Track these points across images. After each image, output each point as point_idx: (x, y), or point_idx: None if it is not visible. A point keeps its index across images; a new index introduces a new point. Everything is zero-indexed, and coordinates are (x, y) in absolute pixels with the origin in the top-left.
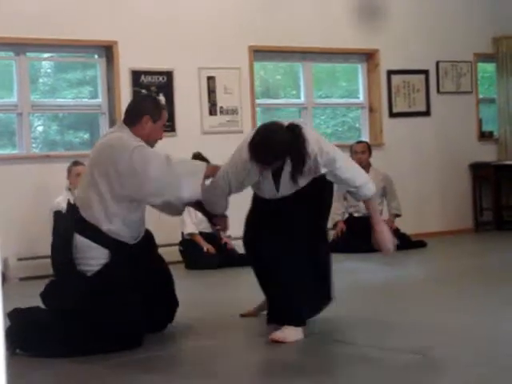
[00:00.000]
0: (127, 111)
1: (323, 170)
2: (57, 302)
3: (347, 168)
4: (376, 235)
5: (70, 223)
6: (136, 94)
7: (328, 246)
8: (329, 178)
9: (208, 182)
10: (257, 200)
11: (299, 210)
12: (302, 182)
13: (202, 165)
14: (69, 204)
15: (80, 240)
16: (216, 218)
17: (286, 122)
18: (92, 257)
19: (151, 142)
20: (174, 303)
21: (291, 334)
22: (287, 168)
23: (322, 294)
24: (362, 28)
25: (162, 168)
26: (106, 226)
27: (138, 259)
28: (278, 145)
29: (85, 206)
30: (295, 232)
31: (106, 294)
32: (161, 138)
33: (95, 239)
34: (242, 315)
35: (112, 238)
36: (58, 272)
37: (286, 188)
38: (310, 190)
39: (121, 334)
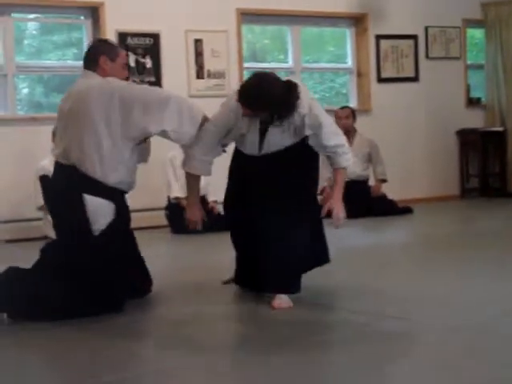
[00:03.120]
0: (85, 58)
1: (308, 132)
2: (59, 260)
3: (332, 135)
4: (331, 204)
5: (74, 184)
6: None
7: (318, 211)
8: (311, 142)
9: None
10: (237, 163)
11: (284, 174)
12: (285, 141)
13: (201, 112)
14: (62, 165)
15: (90, 199)
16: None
17: (284, 78)
18: (102, 214)
19: None
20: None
21: (286, 300)
22: (274, 125)
23: (315, 256)
24: None
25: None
26: (112, 177)
27: (127, 220)
28: (269, 94)
29: (85, 163)
30: (281, 196)
31: (108, 254)
32: (128, 78)
33: (104, 195)
34: (224, 282)
35: (117, 190)
36: (67, 235)
37: (269, 145)
38: (295, 156)
39: (108, 297)
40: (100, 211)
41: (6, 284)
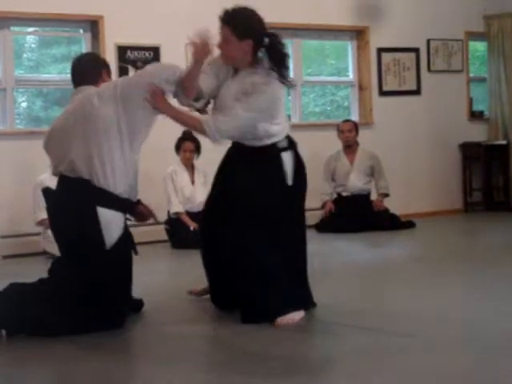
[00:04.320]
0: (84, 72)
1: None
2: (64, 276)
3: (234, 109)
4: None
5: (85, 197)
6: (78, 57)
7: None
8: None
9: None
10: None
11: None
12: (229, 101)
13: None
14: (68, 179)
15: (103, 212)
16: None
17: None
18: (114, 227)
19: None
20: None
21: (295, 314)
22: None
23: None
24: (352, 5)
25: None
26: (123, 182)
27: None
28: (252, 17)
29: (97, 174)
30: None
31: (117, 269)
32: None
33: (116, 206)
34: (190, 293)
35: (127, 201)
36: (76, 250)
37: (221, 99)
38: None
39: (111, 312)
40: (112, 224)
41: (7, 301)
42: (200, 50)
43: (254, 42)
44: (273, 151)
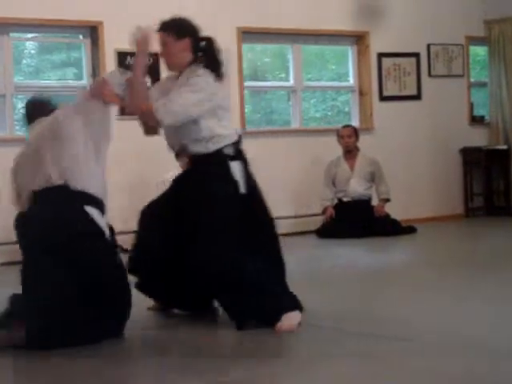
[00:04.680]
0: (42, 109)
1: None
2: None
3: (177, 94)
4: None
5: (70, 199)
6: (33, 97)
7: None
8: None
9: None
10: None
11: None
12: None
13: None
14: (46, 189)
15: (90, 210)
16: None
17: None
18: (104, 227)
19: None
20: None
21: (292, 317)
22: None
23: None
24: (353, 10)
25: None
26: (95, 184)
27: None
28: (188, 21)
29: (70, 179)
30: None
31: (116, 270)
32: None
33: (98, 206)
34: (149, 309)
35: (102, 203)
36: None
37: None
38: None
39: (111, 320)
40: (102, 223)
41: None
42: (142, 42)
43: (190, 41)
44: (219, 157)
